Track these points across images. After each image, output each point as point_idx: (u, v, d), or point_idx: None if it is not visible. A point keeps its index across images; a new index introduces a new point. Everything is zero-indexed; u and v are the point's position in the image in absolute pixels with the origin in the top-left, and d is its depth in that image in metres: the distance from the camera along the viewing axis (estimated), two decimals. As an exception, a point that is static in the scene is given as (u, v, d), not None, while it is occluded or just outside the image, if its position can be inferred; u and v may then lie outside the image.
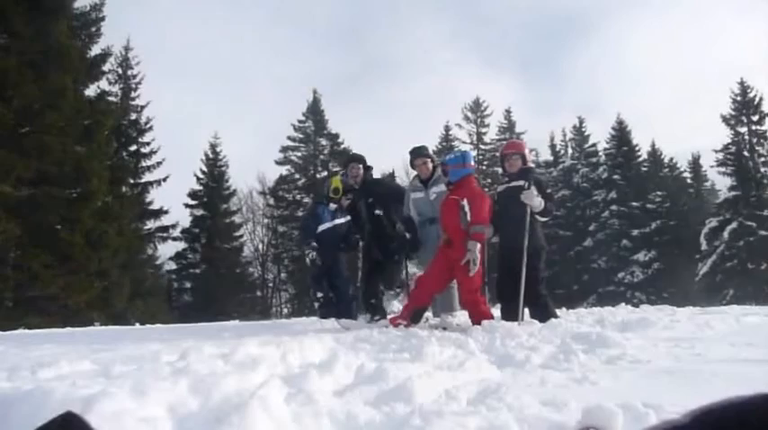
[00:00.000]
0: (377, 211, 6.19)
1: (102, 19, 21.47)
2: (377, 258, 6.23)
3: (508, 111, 37.73)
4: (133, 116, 26.52)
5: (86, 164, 17.22)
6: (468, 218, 4.84)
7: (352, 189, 6.52)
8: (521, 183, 5.20)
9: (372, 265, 6.34)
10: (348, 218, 6.44)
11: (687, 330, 4.32)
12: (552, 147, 38.15)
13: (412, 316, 4.96)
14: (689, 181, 37.57)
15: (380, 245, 6.16)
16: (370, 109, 62.51)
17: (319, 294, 6.30)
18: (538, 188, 5.16)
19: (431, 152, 6.17)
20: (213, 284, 28.64)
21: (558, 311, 5.43)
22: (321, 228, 6.36)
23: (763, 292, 24.37)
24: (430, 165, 5.88)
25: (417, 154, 5.98)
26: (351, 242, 6.45)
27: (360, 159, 6.68)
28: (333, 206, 6.43)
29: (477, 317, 4.61)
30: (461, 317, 5.44)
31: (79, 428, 0.74)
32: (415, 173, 6.11)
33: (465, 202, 4.87)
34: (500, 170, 5.91)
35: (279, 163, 34.36)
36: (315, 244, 6.32)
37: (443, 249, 4.98)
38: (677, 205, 33.28)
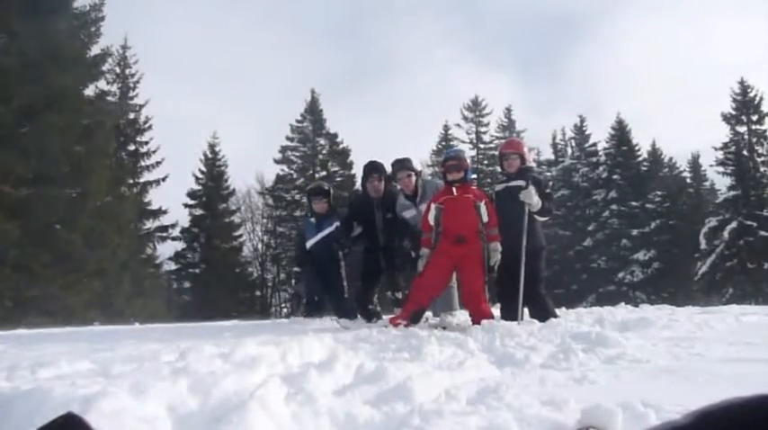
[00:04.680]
0: (397, 228, 5.90)
1: (102, 19, 21.46)
2: (381, 268, 6.10)
3: (508, 110, 37.78)
4: (132, 115, 26.53)
5: (85, 163, 17.24)
6: (485, 219, 4.92)
7: (319, 191, 6.53)
8: (519, 182, 5.20)
9: (374, 273, 6.20)
10: (336, 224, 6.26)
11: (686, 329, 4.32)
12: (554, 145, 38.27)
13: (411, 316, 4.95)
14: (688, 180, 37.63)
15: (387, 256, 6.00)
16: (368, 108, 62.51)
17: (304, 299, 6.32)
18: (537, 187, 5.15)
19: (413, 165, 6.00)
20: (212, 284, 28.66)
21: (557, 311, 5.43)
22: (309, 244, 6.34)
23: (762, 292, 24.40)
24: (413, 179, 5.68)
25: (400, 166, 5.76)
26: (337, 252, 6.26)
27: (378, 169, 6.09)
28: (312, 220, 6.40)
29: (478, 316, 4.61)
30: (461, 316, 5.44)
31: (80, 429, 0.74)
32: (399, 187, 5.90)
33: (482, 204, 4.95)
34: (499, 169, 5.86)
35: (278, 162, 34.38)
36: (298, 269, 6.47)
37: (447, 248, 4.95)
38: (677, 205, 33.33)
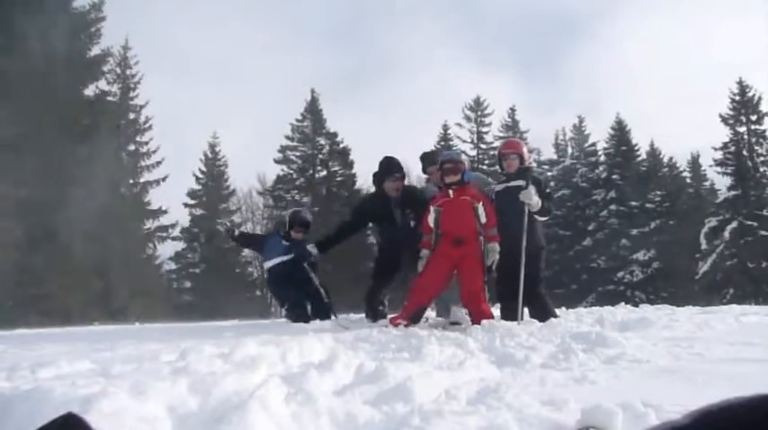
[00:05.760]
0: (412, 223, 5.78)
1: (102, 19, 21.48)
2: (396, 266, 6.00)
3: (512, 110, 37.69)
4: (132, 116, 26.53)
5: (86, 163, 17.23)
6: (483, 220, 4.91)
7: (304, 223, 6.68)
8: (519, 182, 5.20)
9: (388, 272, 6.07)
10: (290, 256, 6.47)
11: (686, 329, 4.32)
12: (557, 145, 38.31)
13: (411, 316, 4.96)
14: (688, 180, 37.62)
15: (411, 253, 5.76)
16: (369, 108, 62.58)
17: (288, 305, 6.52)
18: (537, 187, 5.16)
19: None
20: (212, 284, 28.65)
21: (557, 311, 5.43)
22: (270, 263, 6.58)
23: (762, 292, 24.40)
24: None
25: (431, 160, 5.72)
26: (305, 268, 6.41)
27: (399, 168, 5.93)
28: (285, 242, 6.58)
29: (478, 316, 4.62)
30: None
31: (79, 429, 0.74)
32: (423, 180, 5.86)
33: (480, 205, 4.94)
34: (499, 169, 5.84)
35: (278, 162, 34.36)
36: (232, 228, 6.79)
37: (446, 250, 4.95)
38: (677, 205, 33.32)
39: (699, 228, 28.03)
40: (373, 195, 6.32)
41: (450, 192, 5.03)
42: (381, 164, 6.01)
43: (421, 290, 5.01)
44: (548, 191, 5.38)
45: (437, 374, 2.45)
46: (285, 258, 6.48)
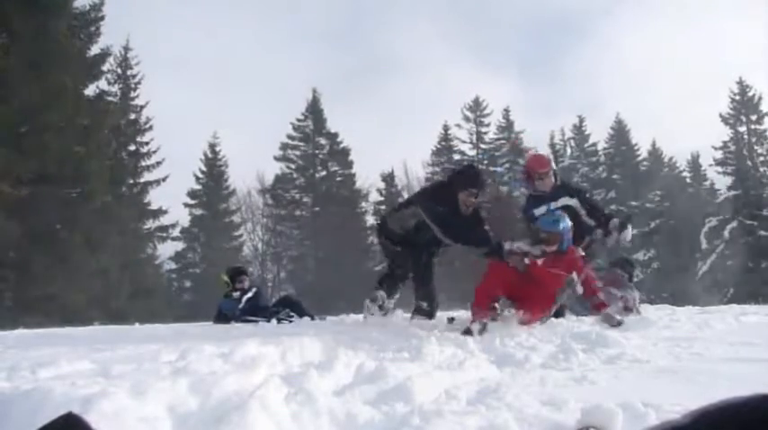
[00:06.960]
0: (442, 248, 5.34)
1: (102, 18, 21.48)
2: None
3: (506, 111, 37.75)
4: (132, 116, 26.54)
5: (86, 163, 17.25)
6: (580, 291, 4.49)
7: (241, 272, 7.54)
8: (567, 201, 5.02)
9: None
10: (253, 292, 7.22)
11: (687, 329, 4.32)
12: (552, 146, 38.25)
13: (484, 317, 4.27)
14: (688, 180, 37.63)
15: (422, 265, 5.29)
16: (368, 108, 62.51)
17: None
18: (579, 197, 5.12)
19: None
20: (213, 284, 28.61)
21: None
22: (238, 312, 7.03)
23: (762, 292, 24.40)
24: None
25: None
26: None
27: (480, 184, 5.07)
28: (235, 294, 7.15)
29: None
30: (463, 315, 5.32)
31: (79, 429, 0.74)
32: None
33: (574, 276, 4.34)
34: (519, 182, 5.73)
35: (278, 159, 34.40)
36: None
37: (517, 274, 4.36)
38: (676, 204, 33.34)
39: (699, 228, 28.04)
40: (445, 196, 5.02)
41: (540, 261, 4.39)
42: (461, 172, 5.31)
43: (484, 294, 4.35)
44: (587, 194, 5.33)
45: (437, 374, 2.45)
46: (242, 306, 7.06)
